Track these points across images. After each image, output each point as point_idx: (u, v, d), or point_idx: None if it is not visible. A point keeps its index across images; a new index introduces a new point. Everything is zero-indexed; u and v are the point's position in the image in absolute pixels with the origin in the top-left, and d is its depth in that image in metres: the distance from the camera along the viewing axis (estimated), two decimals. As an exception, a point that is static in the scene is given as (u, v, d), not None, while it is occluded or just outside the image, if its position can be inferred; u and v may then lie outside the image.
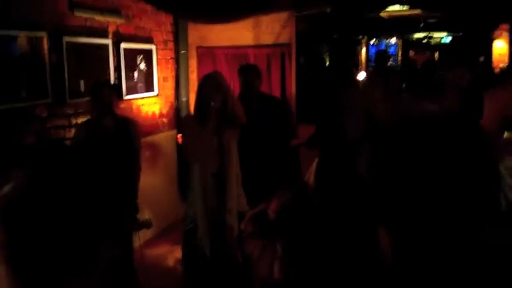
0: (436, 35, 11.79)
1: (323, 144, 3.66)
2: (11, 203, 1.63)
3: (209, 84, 3.36)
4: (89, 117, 3.68)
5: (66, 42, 3.69)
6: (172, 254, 4.33)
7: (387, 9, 6.40)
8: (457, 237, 1.05)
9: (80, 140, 3.43)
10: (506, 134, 2.19)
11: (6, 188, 1.85)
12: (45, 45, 3.49)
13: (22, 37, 3.29)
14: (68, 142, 3.67)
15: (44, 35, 3.47)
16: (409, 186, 1.06)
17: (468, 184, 1.05)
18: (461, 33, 10.85)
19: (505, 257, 1.05)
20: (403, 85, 6.14)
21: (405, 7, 5.91)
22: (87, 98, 3.69)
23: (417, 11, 6.53)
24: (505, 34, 8.56)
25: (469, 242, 1.05)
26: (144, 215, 3.49)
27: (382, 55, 5.43)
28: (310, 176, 4.39)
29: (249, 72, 4.22)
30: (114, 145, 3.43)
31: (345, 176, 3.46)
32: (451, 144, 1.06)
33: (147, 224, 3.52)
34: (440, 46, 12.41)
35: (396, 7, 6.03)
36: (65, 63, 3.69)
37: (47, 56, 3.51)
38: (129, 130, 3.56)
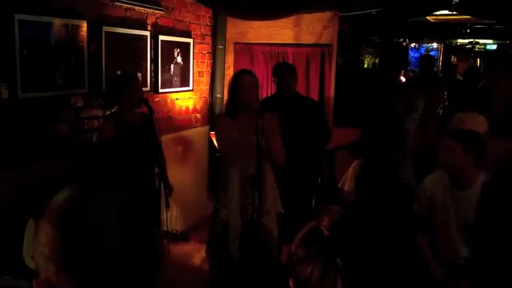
0: (481, 41, 11.35)
1: (367, 153, 3.51)
2: (66, 214, 1.63)
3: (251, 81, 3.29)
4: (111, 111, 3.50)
5: (105, 32, 3.64)
6: (199, 253, 4.26)
7: (435, 13, 6.14)
8: None
9: (108, 138, 3.18)
10: None
11: (61, 197, 1.81)
12: (84, 34, 3.44)
13: (61, 24, 3.24)
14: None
15: (83, 23, 3.42)
16: None
17: None
18: (508, 42, 10.41)
19: None
20: (445, 93, 5.90)
21: (454, 13, 5.66)
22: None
23: (467, 17, 6.24)
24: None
25: None
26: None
27: (428, 60, 5.15)
28: (346, 181, 4.24)
29: (283, 71, 4.08)
30: (142, 142, 3.30)
31: (389, 185, 3.32)
32: None
33: (183, 236, 3.32)
34: (483, 53, 11.94)
35: (445, 12, 5.78)
36: (103, 53, 3.64)
37: (85, 45, 3.46)
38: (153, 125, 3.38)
